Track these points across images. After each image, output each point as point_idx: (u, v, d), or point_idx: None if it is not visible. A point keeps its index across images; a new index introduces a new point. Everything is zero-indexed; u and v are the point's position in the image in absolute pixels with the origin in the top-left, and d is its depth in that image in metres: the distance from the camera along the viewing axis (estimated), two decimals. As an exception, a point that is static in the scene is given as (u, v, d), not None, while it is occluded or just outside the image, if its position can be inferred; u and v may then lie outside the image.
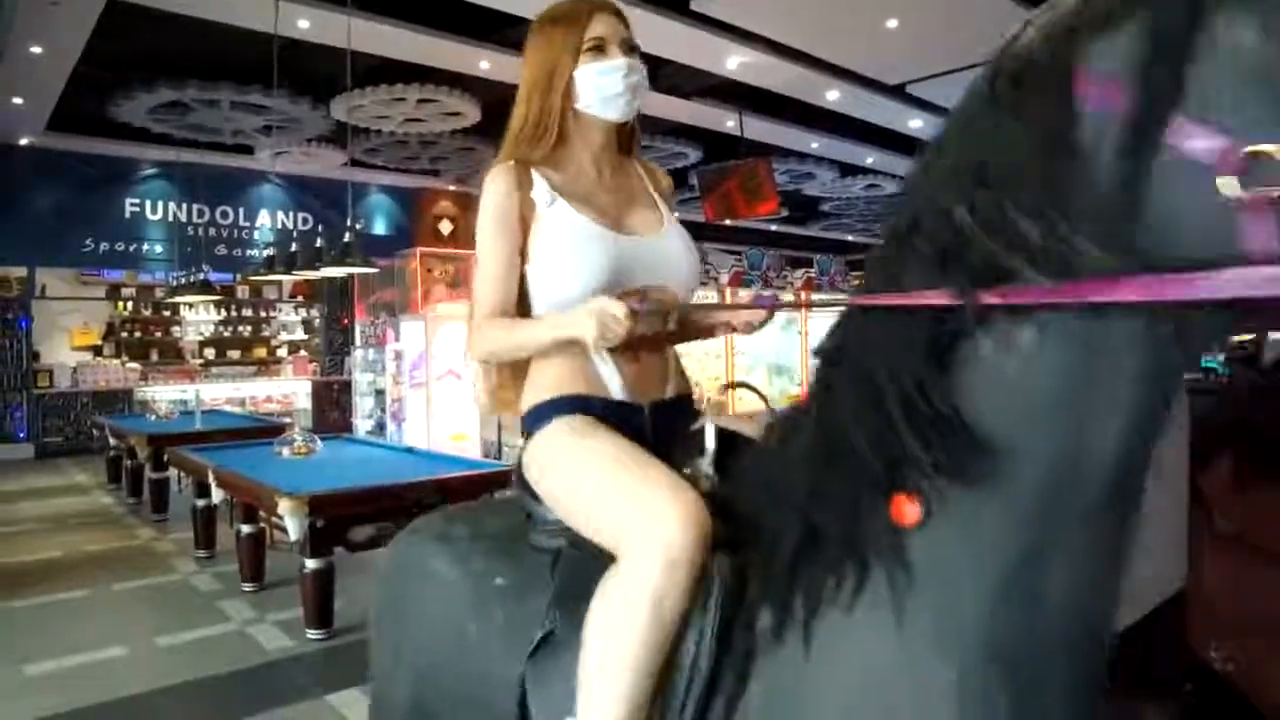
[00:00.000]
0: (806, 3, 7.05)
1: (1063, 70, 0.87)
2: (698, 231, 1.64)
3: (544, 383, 1.37)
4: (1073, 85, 0.86)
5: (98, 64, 7.78)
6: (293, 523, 3.96)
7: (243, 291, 14.01)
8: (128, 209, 11.69)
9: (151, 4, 6.72)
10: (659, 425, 1.38)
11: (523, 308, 1.41)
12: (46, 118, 9.43)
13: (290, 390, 13.31)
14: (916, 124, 10.24)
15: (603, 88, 1.40)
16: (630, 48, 1.44)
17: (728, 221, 11.43)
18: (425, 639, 1.50)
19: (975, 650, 0.93)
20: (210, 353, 13.93)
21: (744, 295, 7.59)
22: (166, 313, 13.60)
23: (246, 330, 14.46)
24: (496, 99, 8.55)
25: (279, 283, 13.80)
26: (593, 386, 1.35)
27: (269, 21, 6.77)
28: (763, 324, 1.45)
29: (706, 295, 7.50)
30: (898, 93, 9.30)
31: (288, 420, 9.51)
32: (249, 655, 4.03)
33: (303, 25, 7.15)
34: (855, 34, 7.71)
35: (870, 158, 12.08)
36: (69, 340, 12.66)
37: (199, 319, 13.95)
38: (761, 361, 8.79)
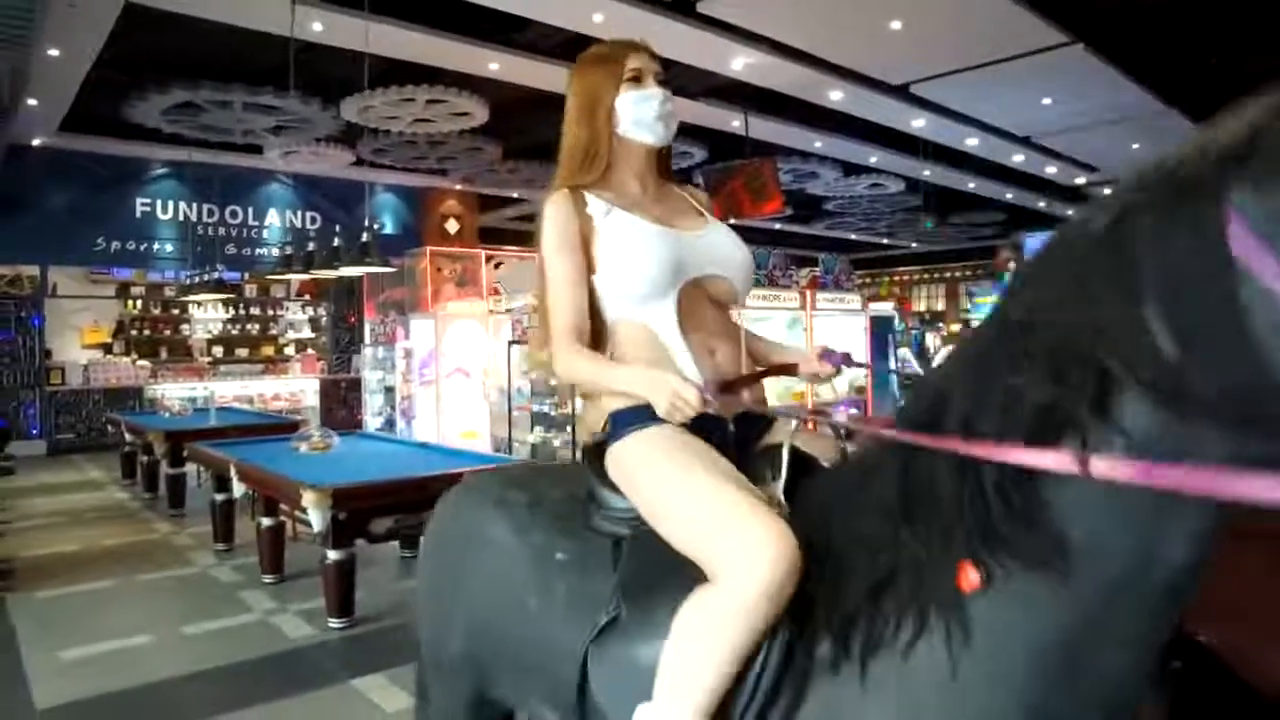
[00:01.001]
0: (811, 4, 7.16)
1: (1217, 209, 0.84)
2: None
3: None
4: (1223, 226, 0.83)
5: (112, 66, 7.90)
6: (316, 514, 4.07)
7: (250, 290, 14.13)
8: (138, 208, 11.82)
9: (167, 7, 6.84)
10: (740, 434, 1.46)
11: (594, 317, 1.51)
12: (60, 119, 9.55)
13: (298, 388, 13.44)
14: (919, 123, 10.35)
15: (640, 114, 1.55)
16: (662, 81, 1.59)
17: (733, 220, 11.55)
18: (482, 600, 1.60)
19: (1018, 704, 1.01)
20: (218, 351, 14.05)
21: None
22: (175, 311, 13.73)
23: (254, 329, 14.58)
24: (505, 99, 8.68)
25: (286, 281, 13.93)
26: None
27: (283, 24, 6.89)
28: (830, 378, 1.57)
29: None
30: (901, 93, 9.40)
31: (300, 417, 9.64)
32: (273, 643, 4.15)
33: (316, 28, 7.26)
34: (858, 35, 7.82)
35: (874, 157, 12.18)
36: (79, 338, 12.79)
37: (207, 317, 14.07)
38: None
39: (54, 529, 6.69)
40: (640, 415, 1.41)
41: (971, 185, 13.77)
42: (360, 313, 11.98)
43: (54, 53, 7.28)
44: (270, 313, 14.75)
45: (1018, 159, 12.17)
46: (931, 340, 15.78)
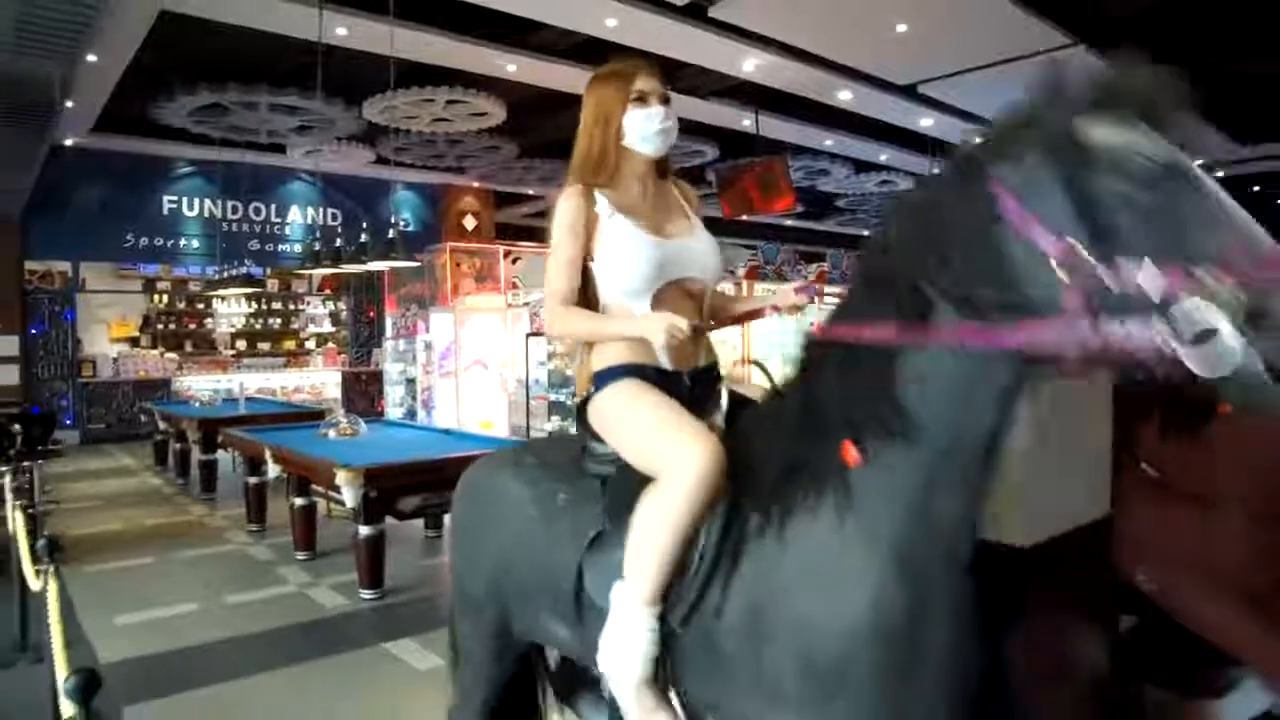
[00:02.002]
0: (819, 8, 7.39)
1: (985, 180, 1.31)
2: (715, 226, 2.06)
3: (610, 353, 1.79)
4: (991, 192, 1.30)
5: (143, 69, 8.22)
6: (349, 492, 4.37)
7: (272, 285, 14.48)
8: (165, 205, 12.20)
9: (200, 14, 7.15)
10: (694, 387, 1.79)
11: (585, 293, 1.84)
12: (94, 120, 9.90)
13: (320, 380, 13.77)
14: (927, 122, 10.56)
15: (643, 130, 1.82)
16: (665, 99, 1.87)
17: (744, 217, 11.78)
18: (503, 541, 1.93)
19: (889, 544, 1.38)
20: (241, 344, 14.42)
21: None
22: (200, 305, 14.11)
23: (276, 323, 14.94)
24: (521, 99, 8.96)
25: (308, 277, 14.28)
26: (647, 357, 1.75)
27: (309, 29, 7.19)
28: (802, 307, 1.92)
29: (723, 288, 7.91)
30: (908, 93, 9.62)
31: (325, 407, 9.96)
32: (309, 612, 4.46)
33: (340, 32, 7.56)
34: (865, 37, 8.05)
35: (884, 154, 12.39)
36: (108, 332, 13.20)
37: (231, 311, 14.45)
38: (776, 349, 9.18)
39: (96, 511, 7.04)
40: (615, 372, 1.76)
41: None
42: (380, 307, 12.29)
43: (92, 58, 7.60)
44: (292, 307, 15.11)
45: (1026, 156, 12.30)
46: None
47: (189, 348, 13.88)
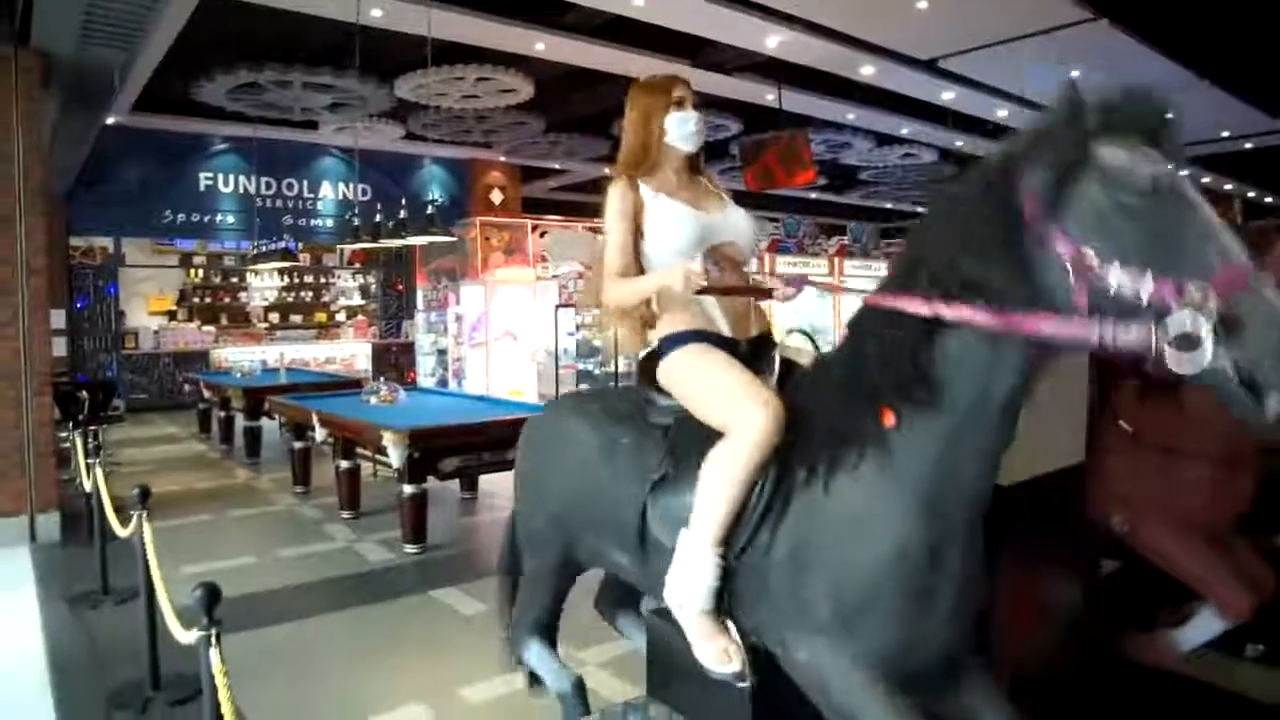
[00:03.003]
0: (841, -15, 7.52)
1: (1014, 190, 1.50)
2: (739, 199, 2.34)
3: (679, 319, 2.02)
4: (1017, 201, 1.48)
5: (185, 49, 8.49)
6: (395, 453, 4.68)
7: (304, 259, 14.82)
8: (201, 182, 12.53)
9: (241, -4, 7.40)
10: (750, 352, 2.03)
11: (639, 269, 2.09)
12: (134, 100, 10.20)
13: (351, 352, 14.15)
14: (949, 95, 10.62)
15: (681, 130, 2.12)
16: (697, 106, 2.15)
17: (768, 191, 11.92)
18: (568, 480, 2.19)
19: (916, 495, 1.60)
20: (274, 317, 14.80)
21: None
22: (234, 279, 14.49)
23: (308, 296, 15.30)
24: (548, 76, 9.15)
25: (339, 251, 14.60)
26: (709, 325, 2.00)
27: (347, 10, 7.42)
28: (790, 298, 2.12)
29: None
30: (930, 67, 9.70)
31: (362, 375, 10.30)
32: (358, 565, 4.79)
33: (375, 14, 7.78)
34: (887, 13, 8.15)
35: (905, 128, 12.45)
36: (146, 306, 13.61)
37: (264, 285, 14.81)
38: (802, 324, 9.42)
39: (150, 474, 7.40)
40: (685, 337, 2.00)
41: (1003, 155, 13.91)
42: (410, 280, 12.59)
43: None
44: (323, 281, 15.45)
45: (1049, 129, 12.32)
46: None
47: (224, 320, 14.27)
